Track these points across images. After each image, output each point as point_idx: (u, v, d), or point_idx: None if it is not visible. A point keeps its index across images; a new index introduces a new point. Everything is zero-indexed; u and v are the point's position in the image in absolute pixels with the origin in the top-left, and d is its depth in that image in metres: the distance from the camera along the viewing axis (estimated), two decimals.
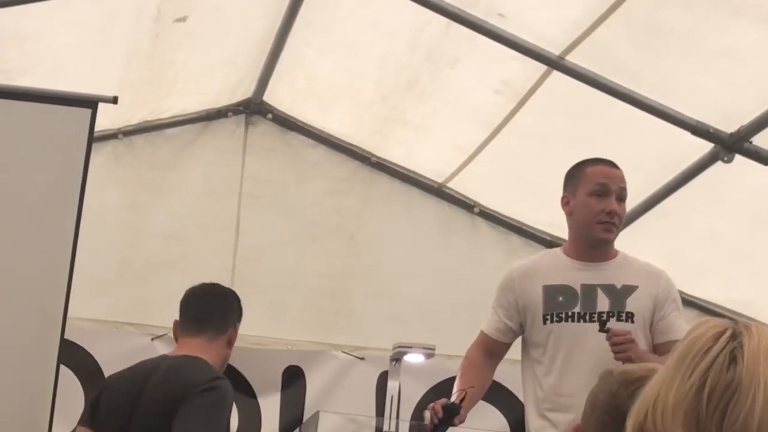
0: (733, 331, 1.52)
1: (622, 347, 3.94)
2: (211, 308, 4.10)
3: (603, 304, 4.13)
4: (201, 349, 3.99)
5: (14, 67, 5.22)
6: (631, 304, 4.13)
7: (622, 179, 4.22)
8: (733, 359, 1.48)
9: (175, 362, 3.98)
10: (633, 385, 2.17)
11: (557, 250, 4.40)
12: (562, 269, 4.21)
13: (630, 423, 1.53)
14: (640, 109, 5.12)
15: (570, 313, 4.13)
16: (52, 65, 5.35)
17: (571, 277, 4.18)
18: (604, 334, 4.00)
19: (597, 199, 4.17)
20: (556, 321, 4.14)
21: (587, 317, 4.11)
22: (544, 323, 4.16)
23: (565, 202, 4.27)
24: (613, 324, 4.04)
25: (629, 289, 4.15)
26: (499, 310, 4.29)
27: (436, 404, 4.10)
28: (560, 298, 4.16)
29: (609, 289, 4.15)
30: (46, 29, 5.17)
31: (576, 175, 4.26)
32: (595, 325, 4.06)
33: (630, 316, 4.12)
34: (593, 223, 4.17)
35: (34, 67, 5.28)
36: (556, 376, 4.12)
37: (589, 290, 4.14)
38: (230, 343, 4.07)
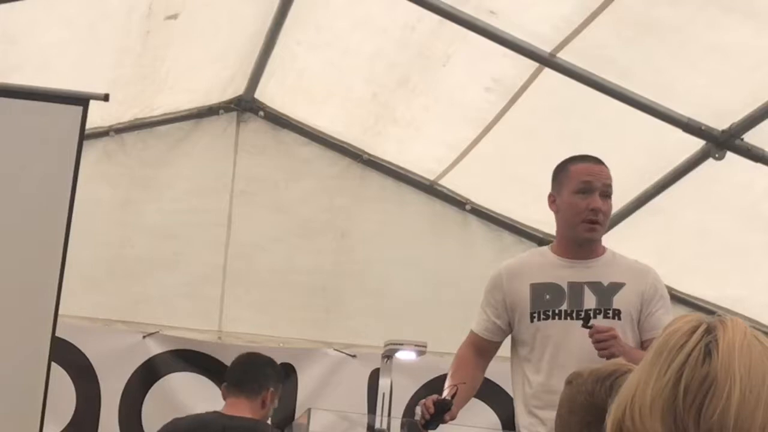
0: (707, 325, 1.51)
1: (604, 344, 3.93)
2: (245, 375, 4.84)
3: (590, 301, 4.12)
4: (246, 408, 4.72)
5: (4, 65, 5.21)
6: (618, 301, 4.12)
7: (607, 176, 4.18)
8: (707, 353, 1.48)
9: (243, 424, 4.67)
10: (607, 380, 2.18)
11: (545, 249, 4.39)
12: (550, 267, 4.20)
13: (609, 420, 1.52)
14: (632, 106, 5.12)
15: (557, 311, 4.12)
16: (43, 63, 5.34)
17: (558, 275, 4.17)
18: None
19: (581, 197, 4.15)
20: (543, 319, 4.13)
21: (574, 315, 4.10)
22: (531, 321, 4.15)
23: (552, 201, 4.26)
24: (599, 321, 4.03)
25: (616, 287, 4.14)
26: (488, 308, 4.28)
27: (428, 400, 4.10)
28: (547, 296, 4.15)
29: (596, 287, 4.14)
30: (36, 26, 5.16)
31: (561, 173, 4.24)
32: None
33: (617, 314, 4.11)
34: (577, 222, 4.15)
35: (25, 64, 5.27)
36: (544, 374, 4.11)
37: (576, 288, 4.14)
38: (264, 404, 4.77)
